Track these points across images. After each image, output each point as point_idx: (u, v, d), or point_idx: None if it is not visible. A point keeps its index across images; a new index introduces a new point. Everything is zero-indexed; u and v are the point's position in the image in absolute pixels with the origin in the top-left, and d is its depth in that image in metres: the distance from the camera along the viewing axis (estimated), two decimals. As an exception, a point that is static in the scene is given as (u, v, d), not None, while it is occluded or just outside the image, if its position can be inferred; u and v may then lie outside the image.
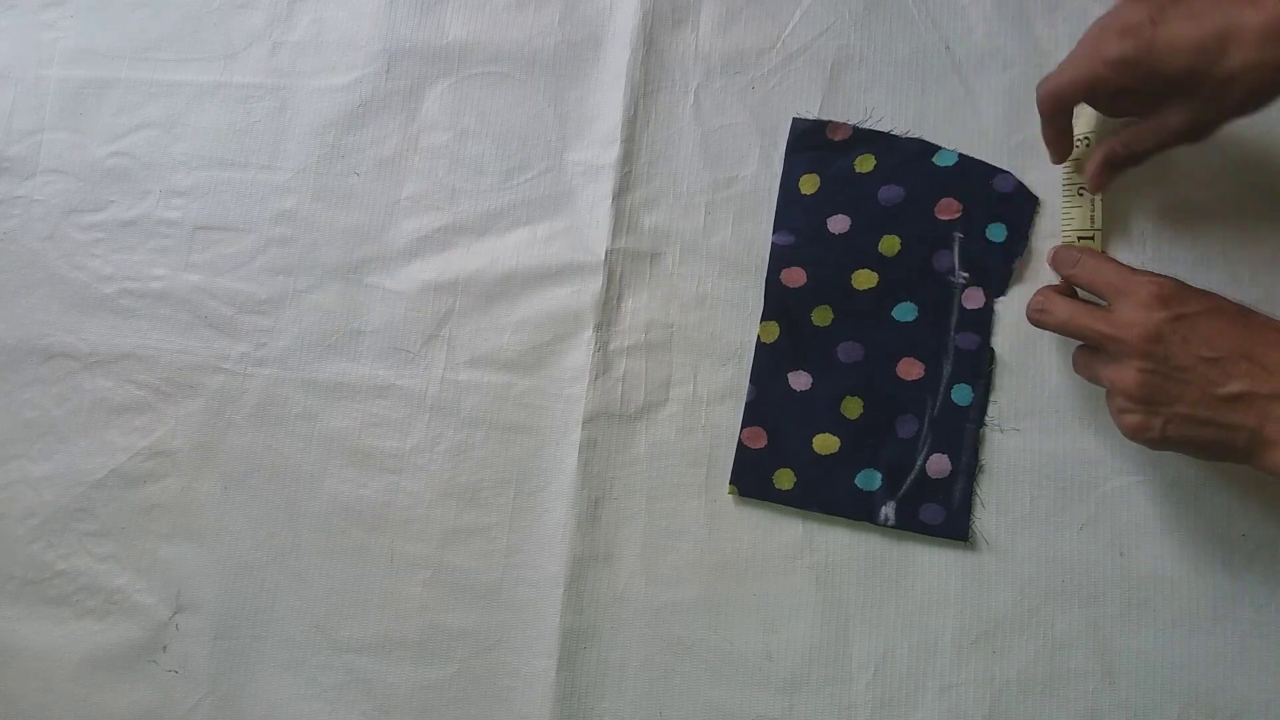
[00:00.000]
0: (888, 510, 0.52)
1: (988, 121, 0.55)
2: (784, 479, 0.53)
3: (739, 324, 0.55)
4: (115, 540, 0.59)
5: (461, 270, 0.59)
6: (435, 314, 0.58)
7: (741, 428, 0.54)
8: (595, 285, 0.57)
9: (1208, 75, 0.41)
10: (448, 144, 0.60)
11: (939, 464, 0.52)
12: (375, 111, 0.61)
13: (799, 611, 0.52)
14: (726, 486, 0.54)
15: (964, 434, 0.52)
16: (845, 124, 0.56)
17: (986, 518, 0.51)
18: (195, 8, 0.65)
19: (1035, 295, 0.48)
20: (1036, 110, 0.48)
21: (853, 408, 0.53)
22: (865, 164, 0.55)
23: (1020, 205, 0.53)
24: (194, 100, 0.64)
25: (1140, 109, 0.46)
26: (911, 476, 0.52)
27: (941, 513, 0.51)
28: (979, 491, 0.51)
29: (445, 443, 0.57)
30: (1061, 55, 0.54)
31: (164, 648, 0.58)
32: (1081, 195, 0.51)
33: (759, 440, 0.54)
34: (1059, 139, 0.50)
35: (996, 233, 0.53)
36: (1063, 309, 0.46)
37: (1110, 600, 0.50)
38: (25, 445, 0.62)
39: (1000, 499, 0.51)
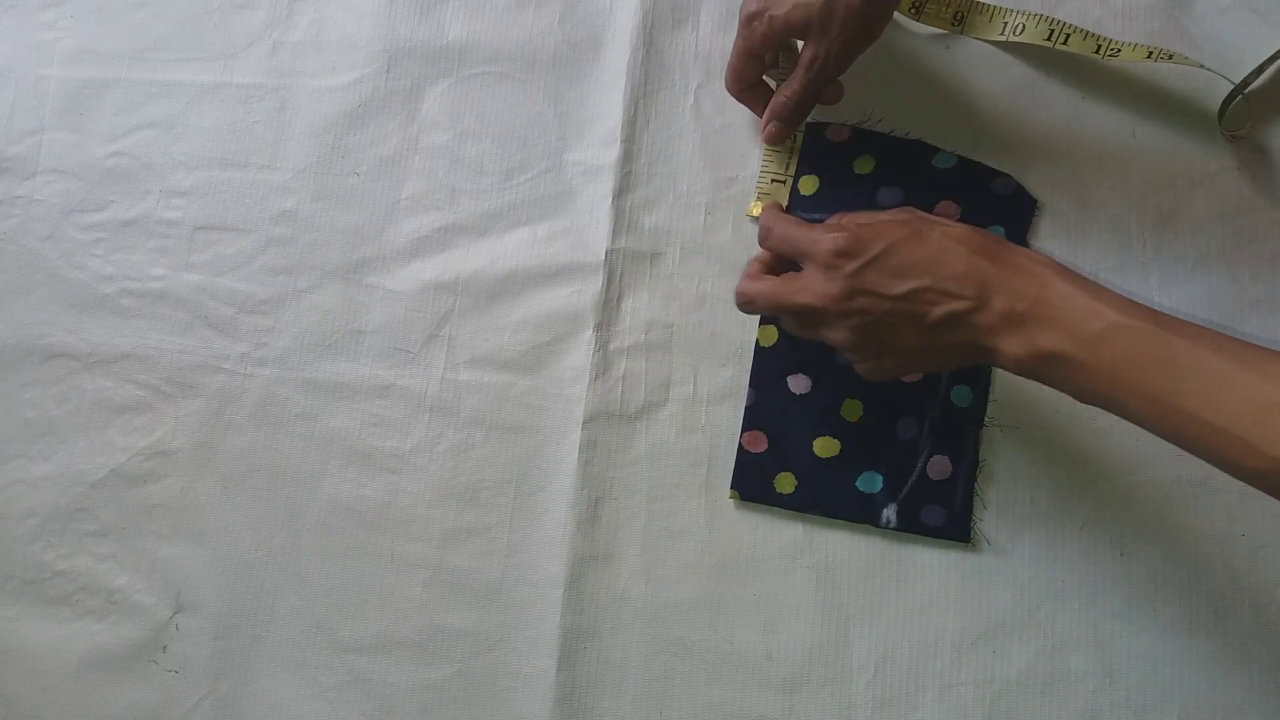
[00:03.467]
0: (889, 513, 0.52)
1: (987, 122, 0.55)
2: (785, 483, 0.53)
3: (739, 324, 0.55)
4: (115, 540, 0.59)
5: (461, 270, 0.59)
6: (435, 314, 0.58)
7: (741, 432, 0.54)
8: (595, 285, 0.57)
9: (816, 8, 0.47)
10: (448, 144, 0.60)
11: (940, 465, 0.52)
12: (375, 111, 0.61)
13: (799, 611, 0.52)
14: (726, 486, 0.54)
15: (964, 435, 0.52)
16: (844, 125, 0.56)
17: (987, 518, 0.51)
18: (195, 8, 0.65)
19: (737, 289, 0.48)
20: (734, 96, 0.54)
21: (852, 410, 0.53)
22: (864, 165, 0.55)
23: (1019, 208, 0.53)
24: (194, 100, 0.64)
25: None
26: (913, 478, 0.52)
27: (943, 514, 0.51)
28: (979, 492, 0.51)
29: (445, 443, 0.57)
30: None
31: (164, 648, 0.58)
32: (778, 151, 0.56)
33: (759, 444, 0.54)
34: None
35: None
36: (762, 290, 0.47)
37: (1110, 600, 0.50)
38: (25, 445, 0.62)
39: (1000, 499, 0.51)
